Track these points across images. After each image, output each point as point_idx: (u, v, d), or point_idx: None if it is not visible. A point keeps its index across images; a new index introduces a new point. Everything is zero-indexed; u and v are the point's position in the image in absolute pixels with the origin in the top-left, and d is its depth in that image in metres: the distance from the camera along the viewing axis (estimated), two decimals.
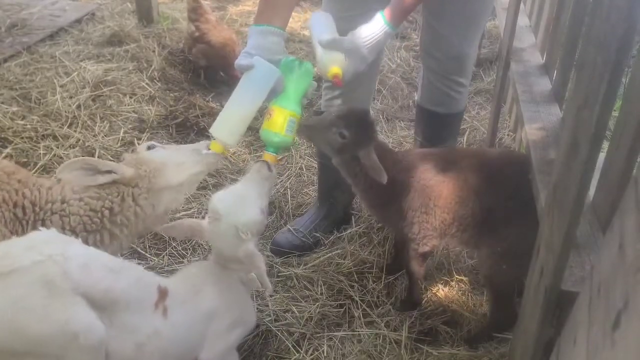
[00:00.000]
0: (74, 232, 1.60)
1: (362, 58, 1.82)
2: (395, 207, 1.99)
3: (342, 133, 1.85)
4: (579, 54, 1.88)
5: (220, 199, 1.63)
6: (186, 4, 3.83)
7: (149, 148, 1.78)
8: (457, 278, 2.30)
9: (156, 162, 1.72)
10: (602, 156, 1.43)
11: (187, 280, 1.64)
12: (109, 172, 1.63)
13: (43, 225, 1.58)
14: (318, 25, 1.91)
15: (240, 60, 1.67)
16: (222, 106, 3.40)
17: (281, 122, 1.73)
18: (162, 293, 1.49)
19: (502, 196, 1.88)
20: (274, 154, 1.77)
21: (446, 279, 2.31)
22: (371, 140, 1.88)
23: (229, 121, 1.73)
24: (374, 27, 1.80)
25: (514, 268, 1.83)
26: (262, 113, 1.81)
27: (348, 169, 1.98)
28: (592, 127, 1.11)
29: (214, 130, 1.74)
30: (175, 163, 1.74)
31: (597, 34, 1.16)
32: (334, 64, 1.80)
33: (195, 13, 3.66)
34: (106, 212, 1.62)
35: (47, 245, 1.31)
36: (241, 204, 1.61)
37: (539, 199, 1.63)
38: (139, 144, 3.01)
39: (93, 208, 1.61)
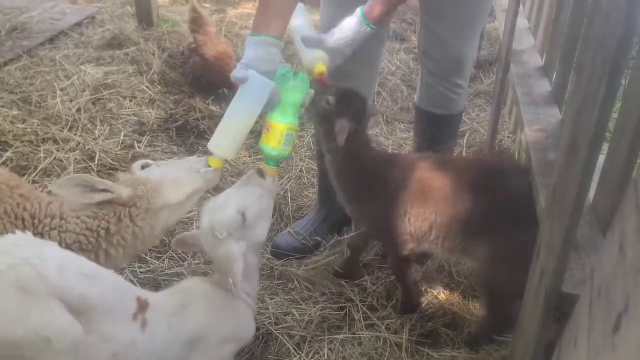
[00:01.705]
0: (70, 250, 1.58)
1: (341, 54, 1.92)
2: (370, 207, 2.01)
3: (328, 100, 1.90)
4: (578, 55, 1.89)
5: (207, 202, 1.67)
6: (187, 11, 3.83)
7: (142, 167, 1.75)
8: (457, 280, 2.30)
9: (153, 181, 1.69)
10: (602, 157, 1.43)
11: (175, 295, 1.61)
12: (105, 190, 1.61)
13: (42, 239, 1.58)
14: (297, 20, 1.94)
15: (236, 73, 1.68)
16: (222, 109, 3.46)
17: (278, 136, 1.74)
18: (142, 305, 1.46)
19: (487, 201, 1.87)
20: (274, 167, 1.77)
21: (447, 281, 2.31)
22: (351, 116, 1.88)
23: (226, 136, 1.72)
24: (354, 27, 1.87)
25: (510, 272, 1.83)
26: (262, 116, 1.80)
27: (326, 140, 1.99)
28: (591, 128, 1.11)
29: (211, 145, 1.74)
30: (173, 181, 1.72)
31: (596, 34, 1.16)
32: (318, 62, 1.87)
33: (195, 24, 3.65)
34: (102, 232, 1.61)
35: (21, 248, 1.29)
36: (220, 204, 1.62)
37: (539, 201, 1.63)
38: (139, 147, 3.02)
39: (89, 227, 1.60)
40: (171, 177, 1.72)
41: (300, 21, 1.92)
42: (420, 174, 1.94)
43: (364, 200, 2.02)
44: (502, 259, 1.86)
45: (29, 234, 1.38)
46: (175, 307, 1.55)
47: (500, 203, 1.85)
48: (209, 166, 1.75)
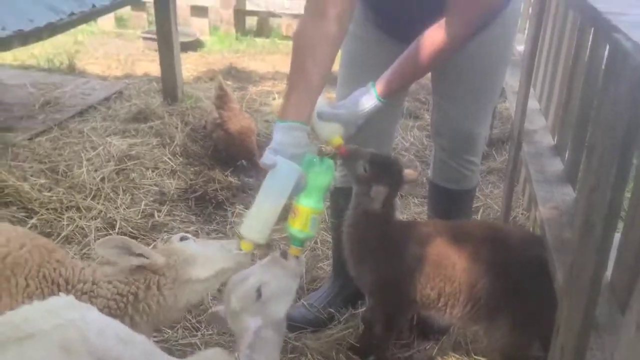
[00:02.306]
0: None
1: (354, 125, 2.01)
2: (374, 265, 2.03)
3: (365, 167, 1.98)
4: (588, 136, 1.95)
5: (233, 277, 1.75)
6: (213, 88, 4.03)
7: (181, 239, 1.81)
8: (474, 358, 2.25)
9: (186, 253, 1.75)
10: (618, 235, 1.45)
11: None
12: (142, 255, 1.67)
13: None
14: None
15: (265, 160, 1.75)
16: (240, 180, 3.55)
17: (304, 220, 1.81)
18: None
19: (499, 272, 1.89)
20: (300, 247, 1.83)
21: (464, 358, 2.25)
22: (387, 184, 1.96)
23: (257, 221, 1.77)
24: (366, 101, 1.99)
25: (525, 340, 1.81)
26: (290, 198, 1.87)
27: (356, 199, 2.06)
28: (605, 208, 1.14)
29: (243, 230, 1.79)
30: (204, 257, 1.77)
31: (606, 117, 1.21)
32: (335, 134, 1.97)
33: (220, 100, 3.84)
34: (131, 298, 1.66)
35: (67, 310, 1.35)
36: (239, 279, 1.71)
37: (556, 278, 1.64)
38: (159, 216, 3.08)
39: (120, 292, 1.65)
40: (204, 253, 1.77)
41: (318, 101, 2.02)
42: (433, 241, 1.97)
43: (375, 261, 2.04)
44: (517, 327, 1.84)
45: (71, 297, 1.44)
46: None
47: (514, 270, 1.86)
48: (241, 249, 1.78)
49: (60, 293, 1.46)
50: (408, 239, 2.02)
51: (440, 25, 1.86)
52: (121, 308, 1.64)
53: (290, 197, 1.81)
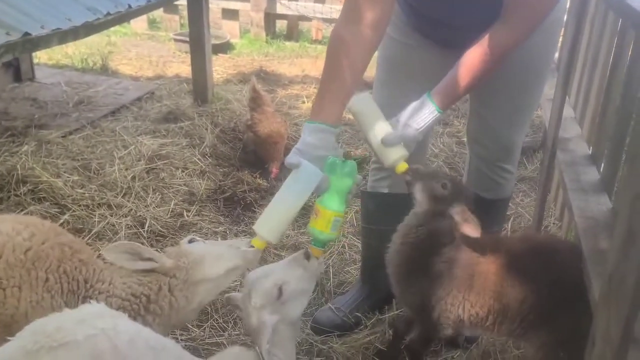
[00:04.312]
0: None
1: (415, 142, 1.90)
2: (420, 284, 1.97)
3: (445, 184, 1.89)
4: (629, 144, 1.90)
5: (251, 271, 1.78)
6: (247, 90, 4.06)
7: (190, 241, 1.84)
8: None
9: (195, 254, 1.78)
10: None
11: None
12: (150, 259, 1.71)
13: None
14: (365, 114, 1.92)
15: (289, 159, 1.75)
16: (268, 183, 3.56)
17: (326, 222, 1.79)
18: None
19: (546, 285, 1.84)
20: (321, 249, 1.83)
21: None
22: (465, 203, 1.89)
23: (272, 220, 1.78)
24: (426, 114, 1.86)
25: (564, 352, 1.77)
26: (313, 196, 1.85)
27: (423, 217, 1.96)
28: None
29: (257, 227, 1.80)
30: (214, 256, 1.79)
31: None
32: (400, 159, 1.88)
33: (254, 102, 3.87)
34: (144, 299, 1.69)
35: (99, 319, 1.35)
36: (261, 275, 1.73)
37: (592, 290, 1.59)
38: (188, 215, 3.12)
39: (134, 293, 1.69)
40: (212, 253, 1.79)
41: (367, 112, 1.91)
42: (482, 258, 1.92)
43: (426, 283, 1.97)
44: (558, 340, 1.81)
45: (103, 305, 1.45)
46: None
47: (560, 283, 1.81)
48: (251, 246, 1.79)
49: (92, 300, 1.48)
50: (457, 258, 1.95)
51: (493, 34, 1.79)
52: (135, 309, 1.67)
53: (311, 199, 1.81)
